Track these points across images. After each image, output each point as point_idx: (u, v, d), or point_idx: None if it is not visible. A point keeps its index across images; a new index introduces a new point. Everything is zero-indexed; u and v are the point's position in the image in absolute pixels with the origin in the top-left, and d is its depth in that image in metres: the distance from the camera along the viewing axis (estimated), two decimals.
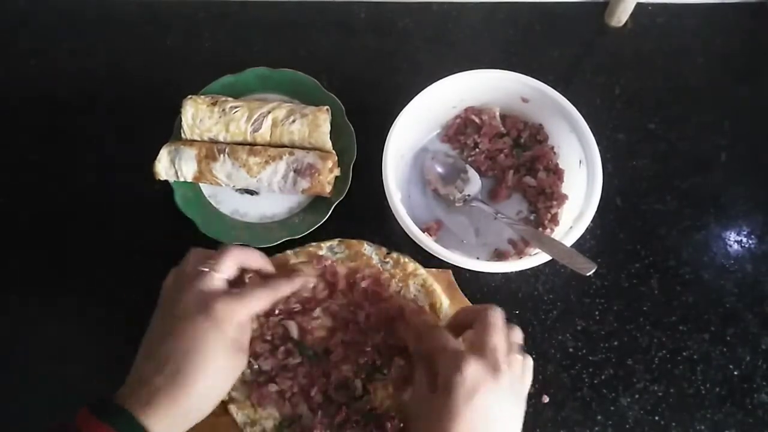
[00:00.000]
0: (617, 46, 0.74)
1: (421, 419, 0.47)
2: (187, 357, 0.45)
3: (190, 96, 0.66)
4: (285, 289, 0.54)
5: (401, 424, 0.56)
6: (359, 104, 0.68)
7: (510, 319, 0.62)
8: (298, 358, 0.58)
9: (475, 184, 0.65)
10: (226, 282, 0.50)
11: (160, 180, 0.65)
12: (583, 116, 0.60)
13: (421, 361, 0.50)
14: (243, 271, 0.53)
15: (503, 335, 0.48)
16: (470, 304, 0.61)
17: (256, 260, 0.53)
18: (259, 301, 0.50)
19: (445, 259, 0.56)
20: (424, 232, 0.57)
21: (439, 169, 0.66)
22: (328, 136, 0.65)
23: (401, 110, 0.60)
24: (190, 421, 0.46)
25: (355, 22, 0.75)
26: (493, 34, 0.75)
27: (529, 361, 0.50)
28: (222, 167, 0.64)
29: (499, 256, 0.64)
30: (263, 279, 0.54)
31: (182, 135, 0.66)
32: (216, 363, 0.46)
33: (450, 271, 0.62)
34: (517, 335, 0.50)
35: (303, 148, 0.66)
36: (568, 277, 0.64)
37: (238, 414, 0.58)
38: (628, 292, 0.64)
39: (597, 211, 0.57)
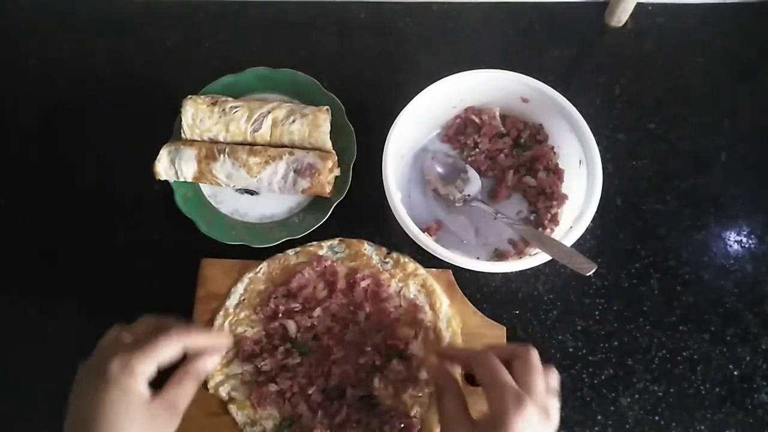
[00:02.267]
0: (617, 46, 0.74)
1: None
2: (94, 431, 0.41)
3: (190, 96, 0.66)
4: (199, 336, 0.48)
5: (401, 424, 0.56)
6: (359, 104, 0.68)
7: (510, 319, 0.62)
8: (297, 358, 0.58)
9: (475, 184, 0.65)
10: (131, 341, 0.45)
11: (160, 180, 0.65)
12: (583, 116, 0.60)
13: (449, 388, 0.48)
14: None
15: (545, 379, 0.46)
16: (472, 306, 0.61)
17: (169, 322, 0.48)
18: (166, 347, 0.44)
19: (445, 259, 0.56)
20: (424, 232, 0.57)
21: (439, 169, 0.66)
22: (328, 136, 0.65)
23: (401, 110, 0.60)
24: None
25: (355, 22, 0.75)
26: (493, 34, 0.75)
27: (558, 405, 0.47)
28: (222, 167, 0.64)
29: (499, 256, 0.64)
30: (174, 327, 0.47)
31: (182, 135, 0.66)
32: (128, 429, 0.42)
33: (450, 271, 0.62)
34: (554, 379, 0.48)
35: (303, 148, 0.66)
36: (568, 277, 0.64)
37: (238, 414, 0.58)
38: (628, 292, 0.64)
39: (597, 211, 0.57)
